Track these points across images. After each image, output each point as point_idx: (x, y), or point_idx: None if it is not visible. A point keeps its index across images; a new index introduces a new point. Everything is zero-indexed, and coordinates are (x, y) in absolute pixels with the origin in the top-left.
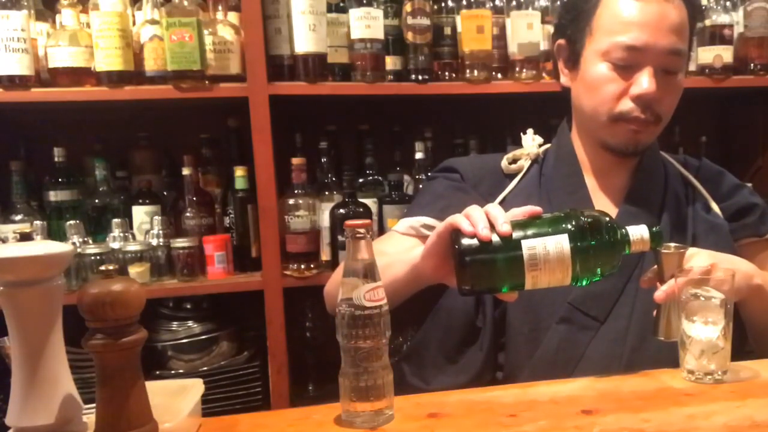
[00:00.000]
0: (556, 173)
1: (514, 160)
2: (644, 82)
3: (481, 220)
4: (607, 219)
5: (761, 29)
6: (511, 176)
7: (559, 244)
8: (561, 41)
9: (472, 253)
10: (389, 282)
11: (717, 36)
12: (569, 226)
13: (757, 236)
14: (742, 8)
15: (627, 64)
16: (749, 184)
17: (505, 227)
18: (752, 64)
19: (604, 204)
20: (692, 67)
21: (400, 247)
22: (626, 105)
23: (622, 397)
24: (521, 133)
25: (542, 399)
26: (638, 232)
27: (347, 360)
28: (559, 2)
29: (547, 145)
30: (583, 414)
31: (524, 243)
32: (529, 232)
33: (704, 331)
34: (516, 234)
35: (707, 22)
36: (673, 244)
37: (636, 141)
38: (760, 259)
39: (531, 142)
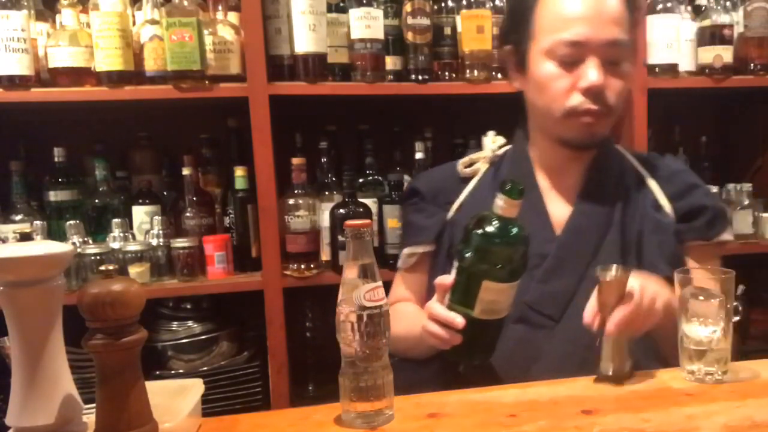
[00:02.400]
0: (510, 175)
1: (471, 164)
2: (590, 74)
3: (441, 331)
4: (477, 224)
5: (761, 29)
6: (469, 180)
7: (489, 286)
8: (507, 47)
9: (454, 354)
10: (411, 349)
11: (717, 36)
12: (483, 267)
13: (704, 240)
14: (742, 8)
15: (572, 60)
16: (709, 186)
17: (458, 320)
18: (752, 64)
19: (557, 203)
20: (692, 67)
21: (408, 292)
22: (576, 99)
23: (622, 397)
24: (482, 136)
25: (542, 399)
26: (497, 204)
27: (347, 360)
28: None
29: (508, 147)
30: (583, 414)
31: (475, 311)
32: (467, 298)
33: (704, 331)
34: (464, 311)
35: (707, 22)
36: (614, 266)
37: (591, 133)
38: (703, 262)
39: (492, 144)
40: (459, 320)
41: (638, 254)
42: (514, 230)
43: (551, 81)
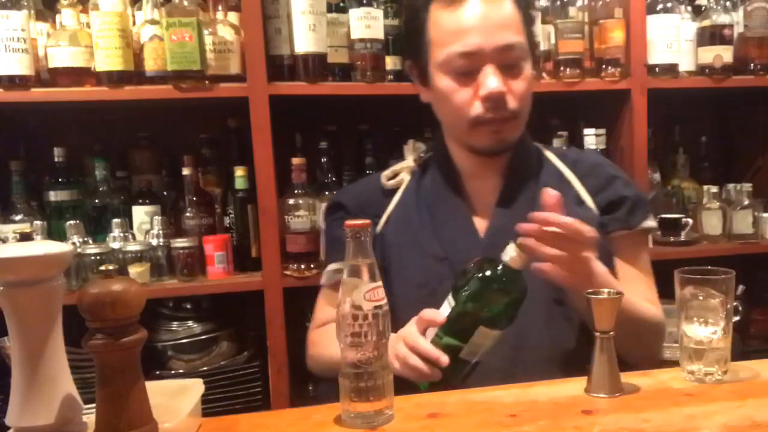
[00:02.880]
0: (434, 182)
1: (394, 175)
2: (488, 82)
3: (424, 367)
4: (486, 272)
5: (761, 29)
6: (394, 192)
7: (485, 332)
8: (408, 62)
9: (425, 384)
10: None
11: (717, 36)
12: (485, 314)
13: (627, 229)
14: (742, 8)
15: (468, 70)
16: (625, 175)
17: (443, 359)
18: (752, 64)
19: (480, 207)
20: (692, 67)
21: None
22: (478, 109)
23: (622, 398)
24: (404, 145)
25: (542, 399)
26: (508, 254)
27: (347, 360)
28: (552, 4)
29: (429, 153)
30: (583, 414)
31: (462, 352)
32: (458, 338)
33: (704, 331)
34: (451, 350)
35: (707, 22)
36: (606, 290)
37: (500, 140)
38: (630, 251)
39: (413, 153)
40: (444, 359)
41: None
42: (523, 283)
43: (451, 94)
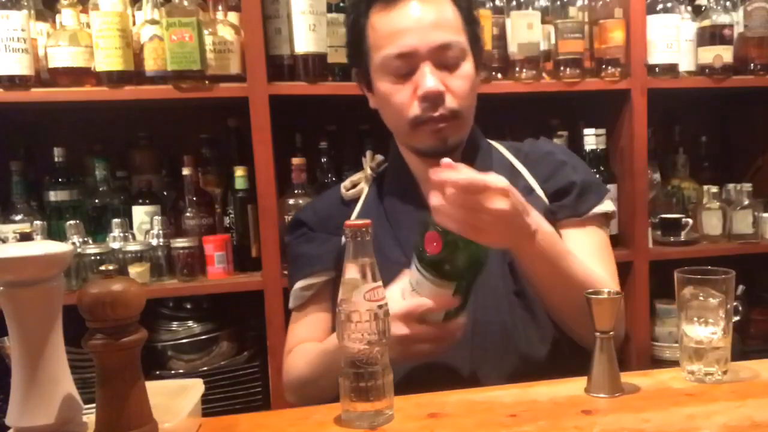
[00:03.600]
0: (393, 189)
1: (353, 185)
2: (423, 82)
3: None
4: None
5: (761, 29)
6: (355, 201)
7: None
8: (355, 69)
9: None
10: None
11: (717, 36)
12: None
13: (576, 216)
14: (742, 8)
15: (405, 72)
16: (576, 161)
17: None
18: (752, 64)
19: None
20: (692, 67)
21: (310, 330)
22: (416, 109)
23: (622, 397)
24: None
25: (542, 399)
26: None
27: (347, 360)
28: (552, 4)
29: (386, 164)
30: (583, 414)
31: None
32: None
33: (704, 331)
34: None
35: (707, 22)
36: (606, 290)
37: (441, 140)
38: (579, 238)
39: (371, 162)
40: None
41: None
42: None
43: (390, 96)
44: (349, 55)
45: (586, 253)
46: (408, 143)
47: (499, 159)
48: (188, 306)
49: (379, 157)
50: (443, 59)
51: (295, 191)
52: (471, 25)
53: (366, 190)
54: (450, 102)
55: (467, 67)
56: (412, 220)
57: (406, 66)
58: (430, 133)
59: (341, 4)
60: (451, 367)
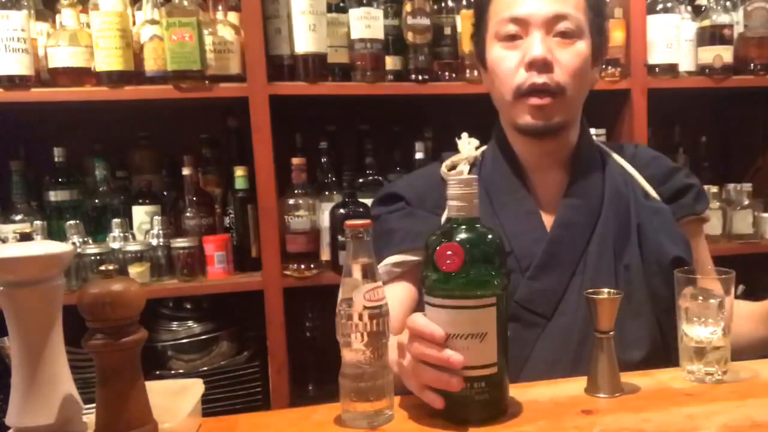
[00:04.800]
0: (497, 174)
1: (453, 167)
2: (532, 47)
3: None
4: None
5: (761, 29)
6: None
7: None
8: (475, 50)
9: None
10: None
11: (717, 36)
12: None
13: (694, 215)
14: (742, 8)
15: (515, 38)
16: (684, 167)
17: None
18: (752, 64)
19: (544, 201)
20: (692, 67)
21: (398, 311)
22: (522, 75)
23: (622, 397)
24: (456, 138)
25: (542, 399)
26: None
27: (347, 360)
28: None
29: (484, 147)
30: (583, 414)
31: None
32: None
33: (704, 331)
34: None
35: (707, 22)
36: (606, 290)
37: (544, 115)
38: (697, 235)
39: (468, 146)
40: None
41: (640, 242)
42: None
43: (500, 62)
44: (472, 34)
45: (702, 247)
46: (510, 120)
47: (609, 160)
48: (188, 306)
49: (475, 141)
50: (556, 29)
51: (295, 191)
52: (596, 15)
53: (465, 172)
54: (558, 75)
55: (581, 45)
56: (518, 207)
57: (519, 32)
58: (532, 108)
59: (341, 4)
60: (548, 361)
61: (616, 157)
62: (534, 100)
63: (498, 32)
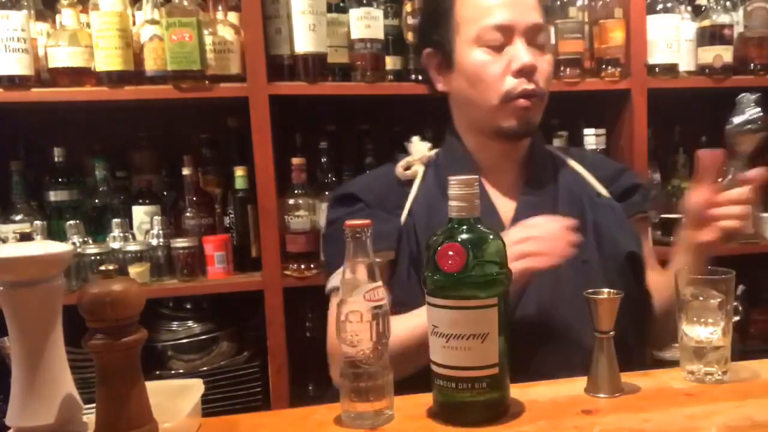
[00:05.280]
0: (453, 174)
1: (408, 167)
2: (521, 54)
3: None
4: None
5: (761, 29)
6: (409, 183)
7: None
8: (428, 49)
9: None
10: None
11: (717, 36)
12: None
13: (642, 212)
14: (742, 8)
15: (500, 45)
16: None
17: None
18: (752, 64)
19: (500, 201)
20: (692, 67)
21: None
22: (511, 82)
23: (622, 397)
24: (405, 143)
25: (542, 399)
26: None
27: (347, 360)
28: (552, 4)
29: (436, 150)
30: (583, 414)
31: None
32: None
33: (704, 331)
34: None
35: (707, 22)
36: (606, 290)
37: (527, 119)
38: (644, 231)
39: (419, 148)
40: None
41: (597, 238)
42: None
43: (484, 68)
44: (426, 33)
45: (648, 243)
46: (490, 122)
47: (558, 159)
48: (188, 306)
49: (427, 143)
50: (533, 38)
51: (295, 191)
52: (546, 21)
53: (420, 172)
54: (539, 80)
55: (549, 56)
56: None
57: (502, 39)
58: (519, 111)
59: (341, 4)
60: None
61: (565, 158)
62: (521, 103)
63: (479, 38)
